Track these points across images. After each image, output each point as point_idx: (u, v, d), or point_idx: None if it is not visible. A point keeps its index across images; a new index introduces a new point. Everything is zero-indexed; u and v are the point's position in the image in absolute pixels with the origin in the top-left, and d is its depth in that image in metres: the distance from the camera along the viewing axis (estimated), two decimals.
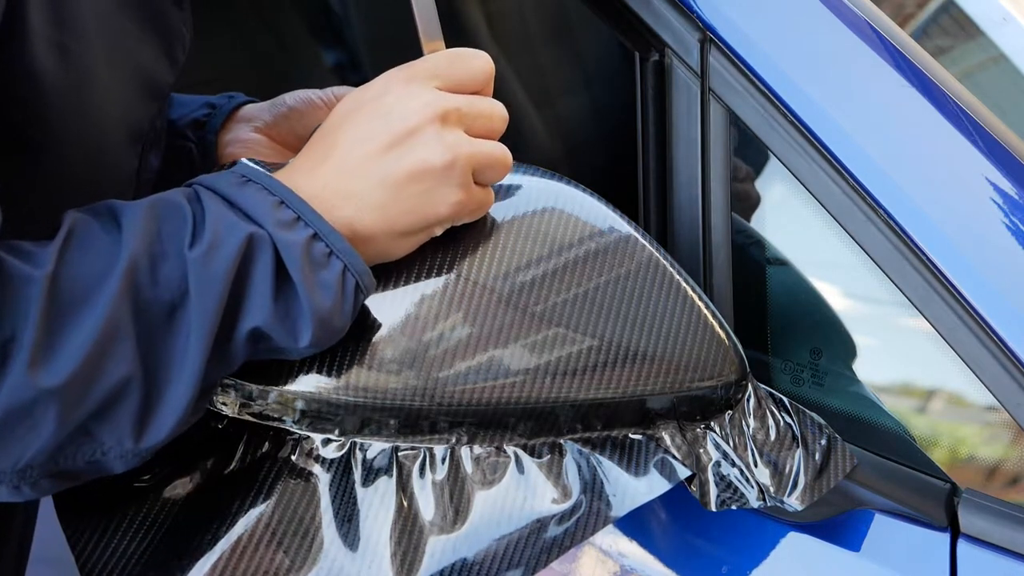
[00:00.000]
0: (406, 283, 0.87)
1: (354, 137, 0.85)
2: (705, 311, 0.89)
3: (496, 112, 0.88)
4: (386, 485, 0.87)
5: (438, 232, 0.87)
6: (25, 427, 0.76)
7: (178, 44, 0.92)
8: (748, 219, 1.06)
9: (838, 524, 0.96)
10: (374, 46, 2.01)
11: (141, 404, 0.78)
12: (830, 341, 1.04)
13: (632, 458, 0.89)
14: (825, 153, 0.97)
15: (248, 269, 0.80)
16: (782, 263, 1.06)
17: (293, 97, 1.09)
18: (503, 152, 0.88)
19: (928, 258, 0.93)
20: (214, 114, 1.10)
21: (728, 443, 0.90)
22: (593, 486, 0.88)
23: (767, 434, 0.91)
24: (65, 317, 0.76)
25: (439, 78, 0.86)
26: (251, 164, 0.85)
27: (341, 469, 0.88)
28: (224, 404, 0.87)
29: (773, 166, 1.01)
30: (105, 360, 0.76)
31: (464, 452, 0.88)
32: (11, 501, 0.80)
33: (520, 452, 0.88)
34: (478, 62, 0.88)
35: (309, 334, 0.81)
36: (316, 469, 0.88)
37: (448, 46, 0.89)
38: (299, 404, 0.86)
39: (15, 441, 0.76)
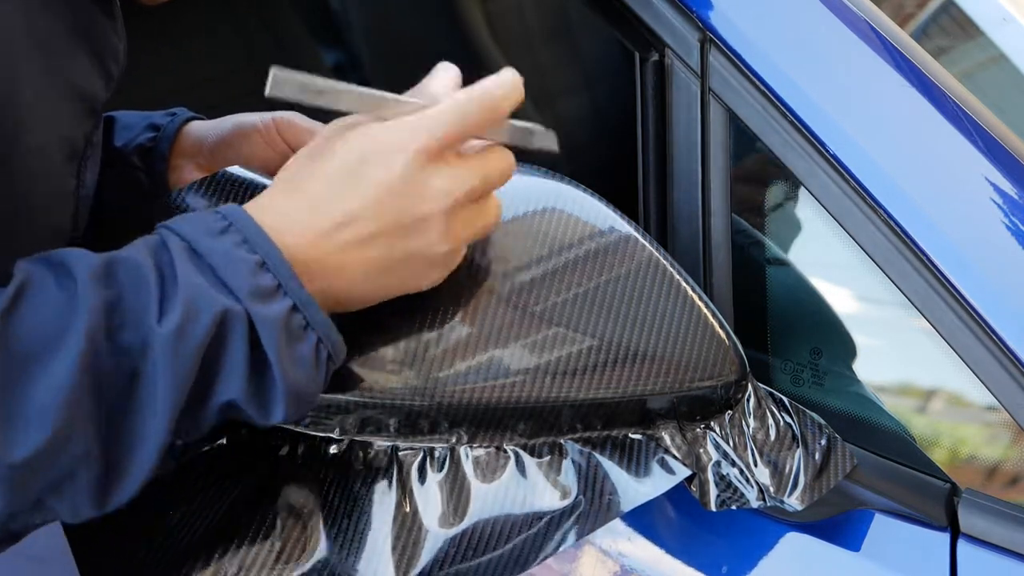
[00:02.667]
0: None
1: (360, 205, 0.79)
2: (705, 311, 0.89)
3: (505, 166, 0.84)
4: (385, 484, 0.87)
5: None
6: None
7: (111, 58, 0.87)
8: (751, 213, 1.06)
9: (838, 524, 0.96)
10: (374, 45, 2.01)
11: (100, 477, 0.75)
12: (830, 341, 1.04)
13: (632, 458, 0.89)
14: (825, 153, 0.97)
15: (221, 346, 0.75)
16: (782, 263, 1.06)
17: (231, 123, 1.07)
18: (496, 213, 0.85)
19: (928, 258, 0.93)
20: (159, 138, 1.07)
21: (728, 443, 0.90)
22: (593, 486, 0.88)
23: (767, 434, 0.91)
24: (22, 392, 0.71)
25: (456, 139, 0.81)
26: (236, 207, 0.79)
27: (341, 468, 0.88)
28: None
29: (773, 166, 1.01)
30: (62, 440, 0.72)
31: (464, 452, 0.88)
32: None
33: (520, 452, 0.88)
34: (508, 103, 0.83)
35: (282, 410, 0.77)
36: (316, 468, 0.88)
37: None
38: None
39: None
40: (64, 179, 0.86)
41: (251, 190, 0.94)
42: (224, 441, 0.90)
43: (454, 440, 0.88)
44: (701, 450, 0.90)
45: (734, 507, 0.89)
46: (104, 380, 0.73)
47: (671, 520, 1.00)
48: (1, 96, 0.77)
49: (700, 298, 0.89)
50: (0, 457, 0.71)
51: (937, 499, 0.95)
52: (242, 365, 0.76)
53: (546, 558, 0.86)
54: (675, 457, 0.89)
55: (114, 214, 1.06)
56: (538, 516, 0.87)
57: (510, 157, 0.85)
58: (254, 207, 0.80)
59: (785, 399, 0.93)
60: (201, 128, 1.09)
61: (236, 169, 0.96)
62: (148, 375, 0.74)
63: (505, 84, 0.83)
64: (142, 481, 0.76)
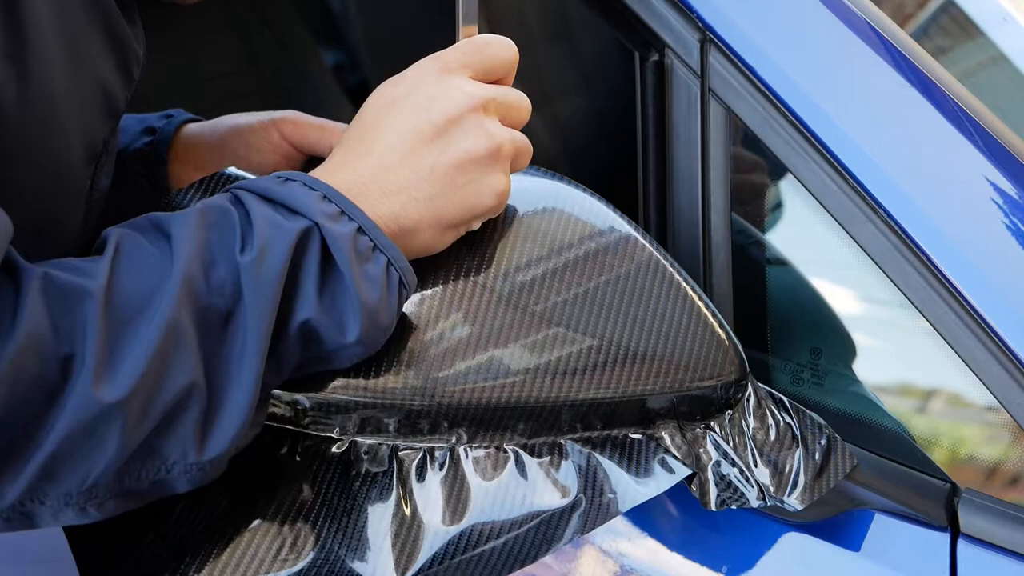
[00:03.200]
0: None
1: (396, 131, 0.84)
2: (705, 311, 0.89)
3: (523, 103, 0.89)
4: (385, 483, 0.87)
5: (476, 225, 0.87)
6: (91, 444, 0.75)
7: (133, 61, 0.90)
8: (751, 212, 1.06)
9: (838, 524, 0.96)
10: (373, 46, 2.01)
11: (203, 413, 0.77)
12: (830, 341, 1.04)
13: (632, 458, 0.89)
14: (825, 153, 0.97)
15: (298, 263, 0.79)
16: (782, 263, 1.06)
17: (227, 125, 1.07)
18: (528, 143, 0.88)
19: (928, 258, 0.93)
20: (156, 141, 1.08)
21: (728, 443, 0.90)
22: (593, 485, 0.88)
23: (767, 434, 0.91)
24: (124, 330, 0.75)
25: (471, 67, 0.87)
26: (291, 172, 0.84)
27: (341, 468, 0.88)
28: None
29: (773, 166, 1.01)
30: (166, 371, 0.75)
31: (464, 452, 0.88)
32: (78, 524, 0.79)
33: (520, 451, 0.88)
34: (507, 51, 0.88)
35: (358, 327, 0.80)
36: (316, 468, 0.88)
37: (447, 45, 0.89)
38: (300, 403, 0.86)
39: (81, 460, 0.75)
40: (81, 180, 0.88)
41: None
42: None
43: (454, 440, 0.88)
44: (701, 450, 0.90)
45: (734, 507, 0.89)
46: (203, 316, 0.77)
47: (671, 520, 1.00)
48: (38, 88, 0.80)
49: (700, 298, 0.89)
50: (112, 398, 0.74)
51: (937, 499, 0.95)
52: (315, 278, 0.80)
53: (545, 556, 0.86)
54: (675, 457, 0.89)
55: (116, 219, 1.06)
56: (538, 515, 0.87)
57: (523, 95, 0.89)
58: (313, 171, 0.85)
59: (785, 399, 0.93)
60: (198, 130, 1.09)
61: (232, 170, 0.96)
62: (238, 308, 0.78)
63: (504, 39, 0.89)
64: (240, 424, 0.79)
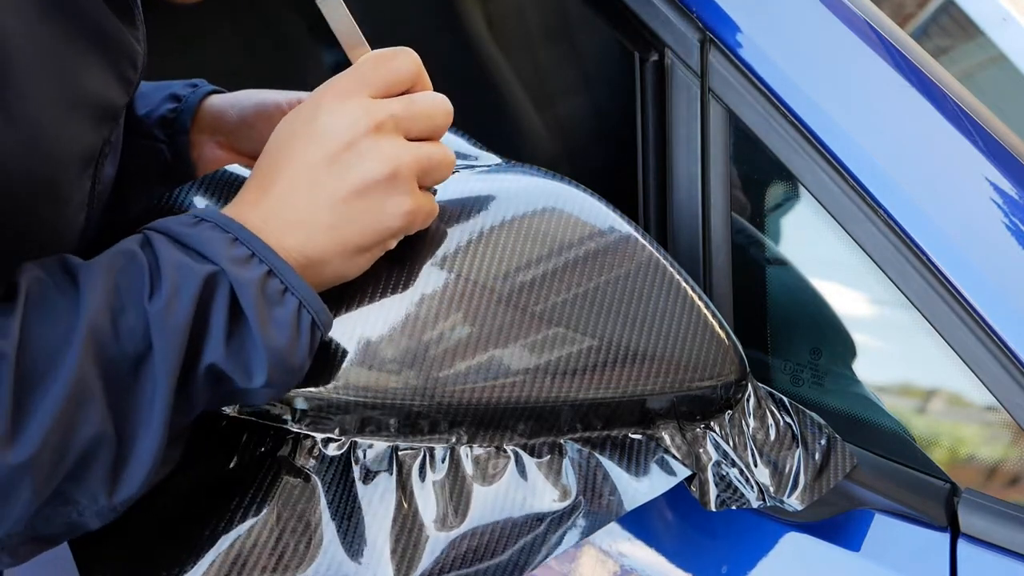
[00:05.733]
0: (406, 283, 0.87)
1: (295, 164, 0.83)
2: (705, 311, 0.89)
3: (437, 109, 0.86)
4: (386, 484, 0.87)
5: (392, 245, 0.86)
6: (2, 501, 0.75)
7: (130, 65, 0.89)
8: (752, 212, 1.06)
9: (838, 524, 0.96)
10: (373, 46, 2.01)
11: (112, 460, 0.78)
12: (830, 341, 1.04)
13: (632, 458, 0.89)
14: (825, 153, 0.97)
15: (206, 308, 0.79)
16: (782, 263, 1.06)
17: (253, 102, 1.07)
18: (444, 153, 0.86)
19: (928, 258, 0.93)
20: (181, 109, 1.08)
21: (728, 443, 0.90)
22: (593, 486, 0.88)
23: (767, 434, 0.91)
24: (32, 390, 0.74)
25: (368, 85, 0.84)
26: (203, 208, 0.83)
27: (341, 468, 0.88)
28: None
29: (773, 166, 1.01)
30: (75, 424, 0.75)
31: (464, 452, 0.88)
32: None
33: (520, 452, 0.88)
34: (402, 59, 0.85)
35: (264, 373, 0.80)
36: (316, 468, 0.88)
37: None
38: (299, 403, 0.86)
39: None
40: (80, 187, 0.87)
41: None
42: (223, 440, 0.90)
43: (454, 440, 0.88)
44: (701, 450, 0.90)
45: (734, 507, 0.89)
46: (110, 366, 0.77)
47: (671, 520, 1.00)
48: (26, 126, 0.79)
49: (700, 298, 0.89)
50: (21, 458, 0.74)
51: (937, 499, 0.95)
52: (222, 324, 0.79)
53: (546, 559, 0.86)
54: (675, 457, 0.89)
55: (134, 184, 1.06)
56: (538, 517, 0.87)
57: (442, 98, 0.86)
58: (225, 207, 0.85)
59: (785, 399, 0.93)
60: (222, 103, 1.08)
61: (236, 168, 0.96)
62: (147, 355, 0.77)
63: (404, 50, 0.87)
64: (150, 466, 0.79)
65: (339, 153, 0.83)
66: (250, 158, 1.07)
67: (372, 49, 0.87)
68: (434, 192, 0.88)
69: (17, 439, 0.74)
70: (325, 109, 0.84)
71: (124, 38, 0.87)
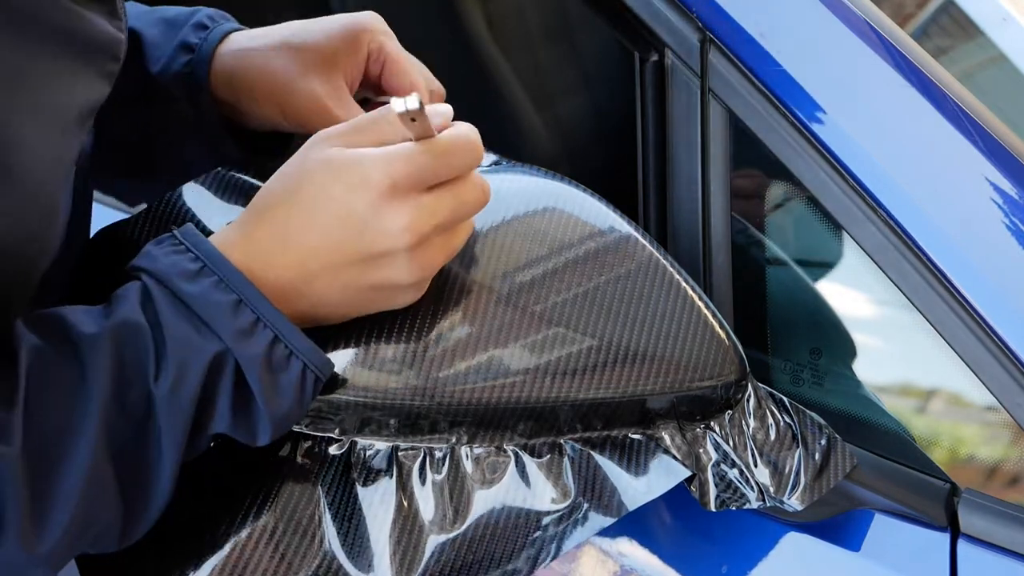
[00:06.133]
0: None
1: (323, 238, 0.80)
2: (705, 311, 0.89)
3: (476, 205, 0.83)
4: (386, 484, 0.87)
5: None
6: None
7: (110, 58, 0.81)
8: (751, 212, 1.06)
9: (838, 524, 0.96)
10: None
11: (122, 527, 0.79)
12: (830, 341, 1.04)
13: (632, 458, 0.89)
14: (825, 153, 0.97)
15: (213, 386, 0.78)
16: (782, 263, 1.06)
17: (259, 68, 0.95)
18: (467, 234, 0.85)
19: (928, 258, 0.93)
20: (195, 62, 0.96)
21: (728, 443, 0.90)
22: (593, 486, 0.87)
23: (767, 434, 0.91)
24: (47, 482, 0.74)
25: (424, 182, 0.80)
26: (205, 241, 0.79)
27: (341, 468, 0.88)
28: None
29: (773, 166, 1.01)
30: (91, 514, 0.76)
31: (464, 452, 0.88)
32: None
33: (520, 452, 0.88)
34: (470, 154, 0.81)
35: (267, 435, 0.81)
36: (316, 468, 0.88)
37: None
38: None
39: None
40: (66, 189, 0.82)
41: (249, 192, 0.94)
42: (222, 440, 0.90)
43: (454, 440, 0.88)
44: (701, 450, 0.90)
45: (734, 507, 0.89)
46: (120, 447, 0.76)
47: (670, 520, 1.00)
48: (10, 168, 0.74)
49: (700, 298, 0.89)
50: (41, 550, 0.74)
51: (937, 499, 0.95)
52: (228, 400, 0.79)
53: (548, 562, 0.86)
54: (675, 457, 0.89)
55: (163, 150, 1.01)
56: (538, 518, 0.87)
57: (485, 186, 0.83)
58: (224, 242, 0.81)
59: (785, 399, 0.93)
60: (242, 45, 0.96)
61: (236, 169, 0.96)
62: (152, 429, 0.77)
63: (471, 136, 0.82)
64: (156, 518, 0.81)
65: (374, 257, 0.80)
66: (279, 108, 0.96)
67: None
68: None
69: (38, 534, 0.74)
70: (369, 203, 0.79)
71: (99, 32, 0.79)
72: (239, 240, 0.81)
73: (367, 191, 0.79)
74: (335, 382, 0.85)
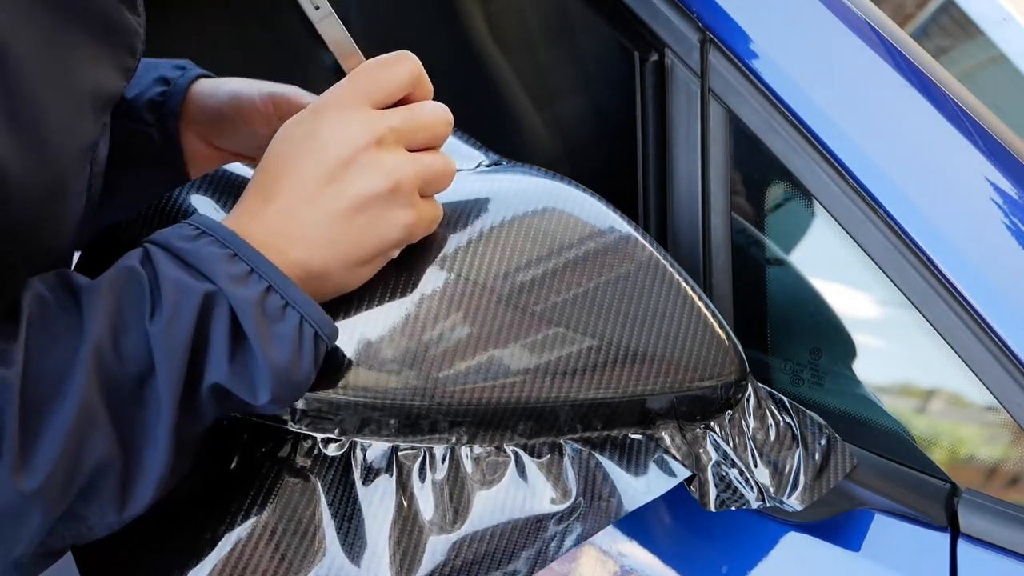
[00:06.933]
0: (406, 283, 0.87)
1: (296, 177, 0.83)
2: (705, 311, 0.89)
3: (438, 118, 0.86)
4: (386, 484, 0.87)
5: (394, 255, 0.86)
6: (14, 526, 0.76)
7: (129, 53, 0.87)
8: (751, 212, 1.06)
9: (838, 524, 0.96)
10: (373, 46, 2.01)
11: (120, 479, 0.78)
12: (830, 341, 1.04)
13: (632, 458, 0.89)
14: (825, 153, 0.97)
15: (205, 329, 0.79)
16: (782, 263, 1.06)
17: (228, 94, 1.05)
18: (445, 163, 0.86)
19: (928, 258, 0.93)
20: (170, 93, 1.06)
21: (728, 443, 0.90)
22: (593, 486, 0.88)
23: (767, 434, 0.91)
24: (39, 416, 0.75)
25: (367, 96, 0.84)
26: (206, 216, 0.83)
27: (341, 468, 0.88)
28: None
29: (773, 166, 1.01)
30: (83, 448, 0.76)
31: (464, 452, 0.88)
32: None
33: (520, 452, 0.88)
34: (400, 66, 0.85)
35: (267, 390, 0.80)
36: (316, 468, 0.88)
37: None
38: (299, 403, 0.86)
39: (5, 539, 0.76)
40: (81, 176, 0.86)
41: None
42: (223, 440, 0.90)
43: (454, 440, 0.88)
44: (701, 450, 0.90)
45: (734, 508, 0.89)
46: (114, 388, 0.77)
47: (670, 521, 1.00)
48: (33, 134, 0.78)
49: (700, 298, 0.89)
50: (32, 485, 0.74)
51: (937, 499, 0.95)
52: (224, 345, 0.79)
53: (549, 563, 0.86)
54: (675, 457, 0.89)
55: (125, 169, 1.04)
56: (538, 518, 0.87)
57: (442, 108, 0.86)
58: (223, 219, 0.84)
59: (785, 399, 0.93)
60: (204, 91, 1.07)
61: (235, 167, 0.96)
62: (150, 375, 0.78)
63: (405, 54, 0.86)
64: (159, 481, 0.80)
65: (340, 169, 0.82)
66: (229, 153, 1.07)
67: (374, 53, 0.87)
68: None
69: (27, 467, 0.74)
70: (325, 123, 0.83)
71: (126, 23, 0.86)
72: (232, 215, 0.85)
73: (320, 115, 0.84)
74: (336, 382, 0.85)
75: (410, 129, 0.84)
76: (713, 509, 0.89)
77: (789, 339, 1.04)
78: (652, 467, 0.89)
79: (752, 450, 0.91)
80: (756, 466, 0.90)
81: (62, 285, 0.79)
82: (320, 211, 0.82)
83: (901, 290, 0.95)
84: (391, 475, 0.87)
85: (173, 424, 0.78)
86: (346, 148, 0.83)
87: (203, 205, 0.95)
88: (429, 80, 0.86)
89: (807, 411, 0.93)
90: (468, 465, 0.88)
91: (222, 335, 0.79)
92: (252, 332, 0.79)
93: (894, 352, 1.05)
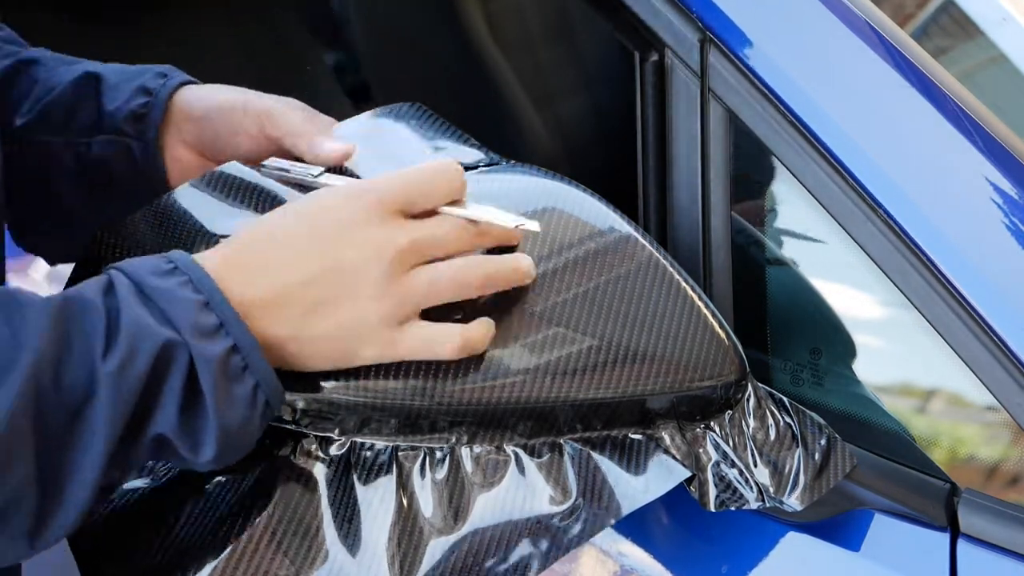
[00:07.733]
0: None
1: (296, 252, 0.81)
2: (705, 311, 0.89)
3: (450, 238, 0.84)
4: (386, 484, 0.87)
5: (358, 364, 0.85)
6: None
7: None
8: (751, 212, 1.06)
9: (838, 524, 0.95)
10: (374, 46, 2.01)
11: (36, 511, 0.75)
12: (830, 341, 1.04)
13: (632, 458, 0.89)
14: (825, 153, 0.97)
15: (160, 378, 0.76)
16: (782, 263, 1.06)
17: (217, 100, 1.03)
18: (444, 275, 0.84)
19: (928, 258, 0.93)
20: (152, 104, 1.03)
21: (728, 443, 0.90)
22: (593, 486, 0.87)
23: (767, 434, 0.91)
24: None
25: (406, 204, 0.82)
26: (183, 253, 0.80)
27: (341, 468, 0.88)
28: None
29: (773, 166, 1.01)
30: (2, 473, 0.72)
31: (464, 452, 0.88)
32: None
33: (520, 452, 0.88)
34: (448, 181, 0.83)
35: (213, 449, 0.78)
36: (316, 468, 0.88)
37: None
38: (299, 403, 0.86)
39: None
40: None
41: (247, 191, 0.93)
42: None
43: (454, 440, 0.88)
44: (701, 450, 0.90)
45: (733, 508, 0.89)
46: (47, 415, 0.74)
47: (670, 521, 1.00)
48: None
49: (700, 298, 0.89)
50: None
51: (937, 499, 0.95)
52: (177, 398, 0.76)
53: (549, 564, 0.86)
54: (675, 457, 0.89)
55: (103, 181, 1.03)
56: (538, 519, 0.87)
57: (464, 224, 0.84)
58: (203, 256, 0.81)
59: (785, 399, 0.93)
60: (190, 98, 1.04)
61: (233, 166, 0.95)
62: (88, 408, 0.75)
63: (450, 164, 0.85)
64: (76, 516, 0.76)
65: (345, 269, 0.81)
66: (212, 161, 1.03)
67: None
68: None
69: None
70: (342, 220, 0.81)
71: None
72: (218, 256, 0.82)
73: (340, 211, 0.82)
74: (336, 382, 0.85)
75: (431, 245, 0.83)
76: (713, 509, 0.89)
77: (789, 339, 1.04)
78: (652, 467, 0.88)
79: (752, 450, 0.91)
80: (756, 466, 0.90)
81: (6, 301, 0.75)
82: (307, 295, 0.80)
83: (901, 290, 0.95)
84: (391, 475, 0.87)
85: (103, 466, 0.75)
86: (353, 254, 0.81)
87: (203, 205, 0.95)
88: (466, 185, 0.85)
89: (807, 411, 0.93)
90: (468, 465, 0.88)
91: (176, 388, 0.76)
92: (210, 390, 0.76)
93: (894, 352, 1.04)
